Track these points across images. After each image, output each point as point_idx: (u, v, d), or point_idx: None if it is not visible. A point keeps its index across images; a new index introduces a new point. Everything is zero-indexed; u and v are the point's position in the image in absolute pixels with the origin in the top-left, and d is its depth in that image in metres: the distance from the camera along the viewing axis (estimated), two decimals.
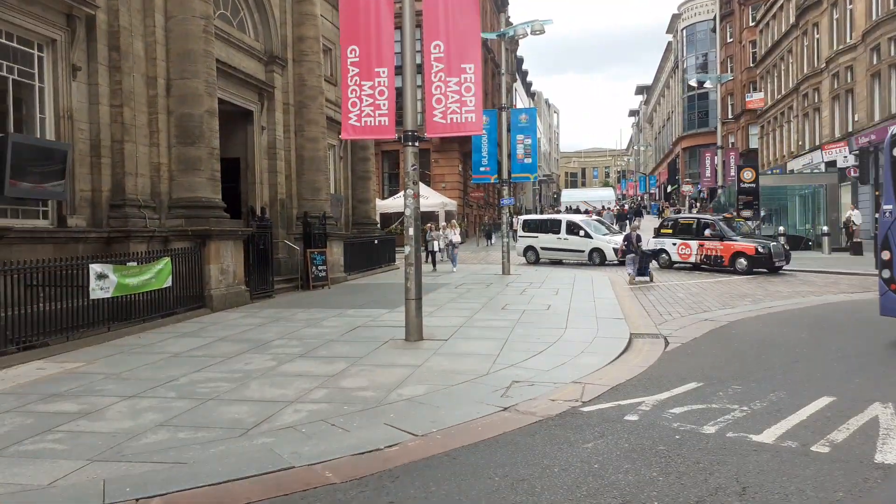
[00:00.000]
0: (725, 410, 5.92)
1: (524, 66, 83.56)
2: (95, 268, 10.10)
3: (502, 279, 19.12)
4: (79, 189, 11.70)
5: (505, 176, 20.95)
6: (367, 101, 9.21)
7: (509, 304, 13.30)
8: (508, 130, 21.45)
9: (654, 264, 21.98)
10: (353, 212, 24.78)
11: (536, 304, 13.27)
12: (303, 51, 19.01)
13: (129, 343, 9.94)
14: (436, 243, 22.52)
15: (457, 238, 23.49)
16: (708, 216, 23.41)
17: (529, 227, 26.75)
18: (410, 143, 9.27)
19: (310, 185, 19.08)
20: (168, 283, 11.99)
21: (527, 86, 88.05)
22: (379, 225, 30.55)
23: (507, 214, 21.87)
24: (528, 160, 21.81)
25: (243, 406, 6.34)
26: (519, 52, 75.01)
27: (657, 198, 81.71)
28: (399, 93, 9.77)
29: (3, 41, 10.47)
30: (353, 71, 9.27)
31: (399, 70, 9.78)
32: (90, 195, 12.06)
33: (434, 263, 22.67)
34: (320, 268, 17.78)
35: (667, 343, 9.42)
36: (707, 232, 20.95)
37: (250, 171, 17.83)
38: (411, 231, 9.41)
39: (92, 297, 10.11)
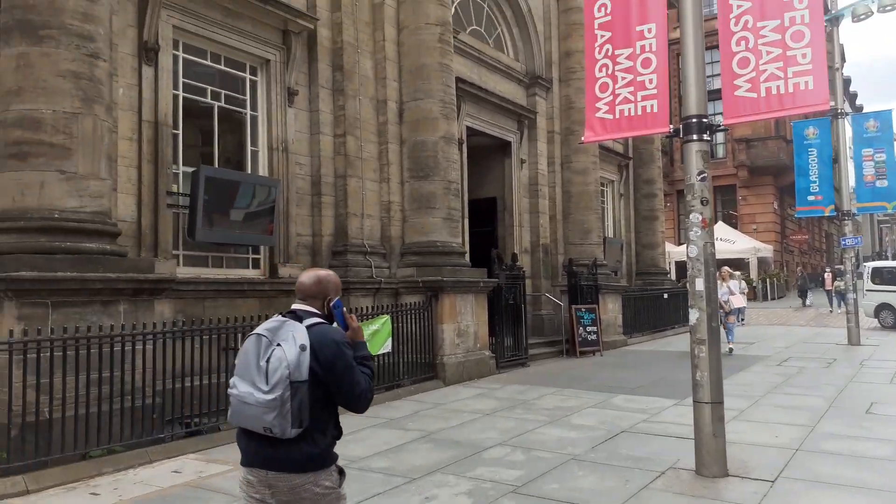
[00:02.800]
0: None
1: (851, 88, 70.64)
2: None
3: (850, 353, 13.52)
4: (295, 233, 10.02)
5: (846, 206, 15.29)
6: (623, 78, 5.72)
7: (878, 403, 8.33)
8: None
9: None
10: (636, 259, 20.82)
11: None
12: (570, 68, 16.05)
13: None
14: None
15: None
16: None
17: (883, 277, 19.89)
18: (695, 137, 5.52)
19: (578, 226, 15.81)
20: (387, 347, 9.60)
21: (857, 110, 74.33)
22: (672, 276, 26.02)
23: (853, 261, 15.96)
24: (883, 183, 15.73)
25: None
26: (845, 72, 63.41)
27: None
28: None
29: (209, 63, 9.23)
30: (601, 37, 5.88)
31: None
32: (310, 240, 10.33)
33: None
34: (589, 329, 14.26)
35: None
36: None
37: (508, 212, 15.22)
38: (699, 284, 5.56)
39: None
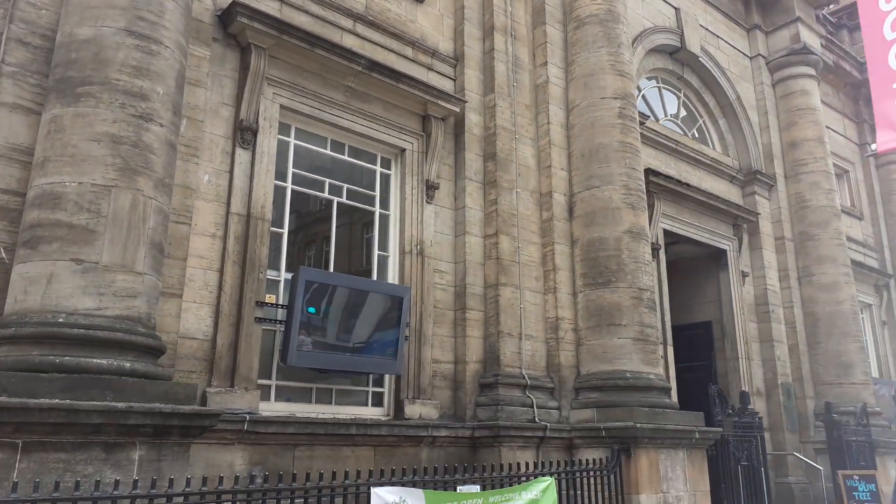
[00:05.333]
0: None
1: None
2: (383, 494, 5.49)
3: None
4: (430, 358, 7.66)
5: None
6: None
7: None
8: None
9: None
10: None
11: None
12: (799, 160, 12.75)
13: None
14: None
15: None
16: None
17: None
18: None
19: (832, 359, 11.72)
20: None
21: None
22: None
23: None
24: None
25: None
26: None
27: None
28: None
29: (331, 153, 7.68)
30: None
31: None
32: (450, 368, 7.91)
33: None
34: None
35: None
36: None
37: (729, 340, 11.67)
38: None
39: None
